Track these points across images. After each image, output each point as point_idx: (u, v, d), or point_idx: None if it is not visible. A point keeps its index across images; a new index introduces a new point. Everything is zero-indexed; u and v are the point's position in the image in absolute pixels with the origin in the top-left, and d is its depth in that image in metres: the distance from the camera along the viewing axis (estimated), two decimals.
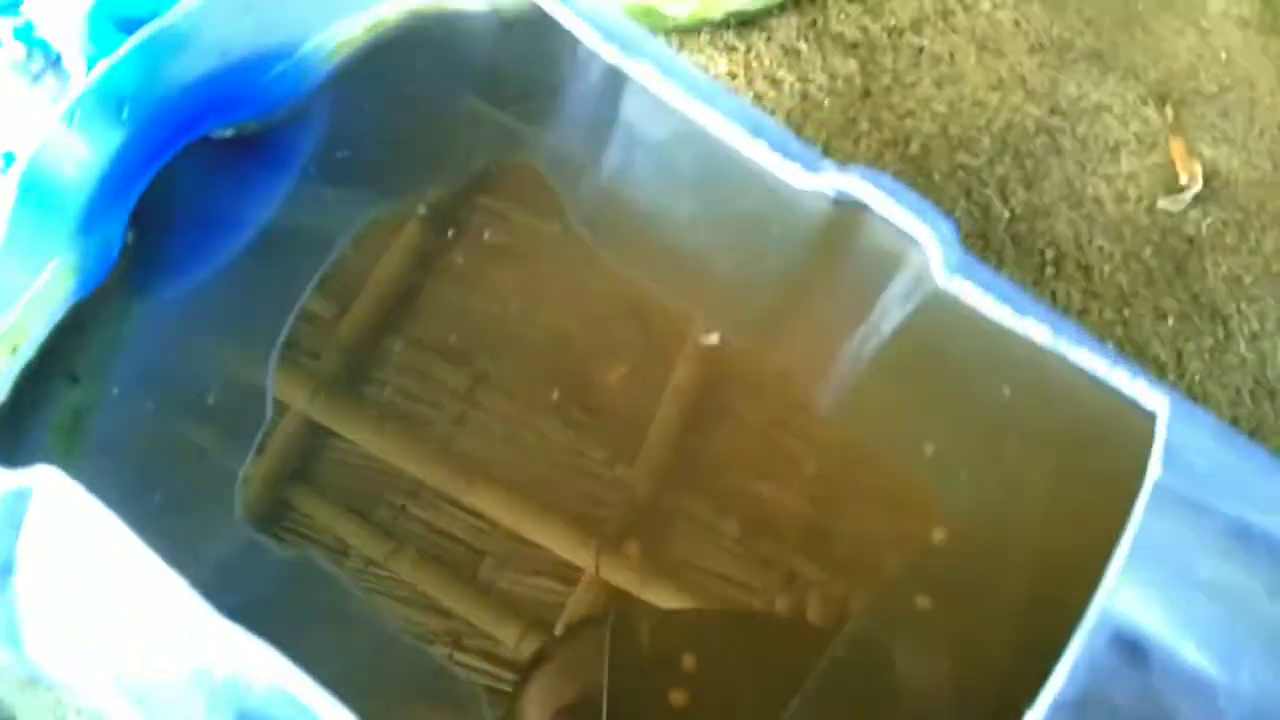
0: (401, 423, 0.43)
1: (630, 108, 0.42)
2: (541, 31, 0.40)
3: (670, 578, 0.40)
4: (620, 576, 0.40)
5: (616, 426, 0.42)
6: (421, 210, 0.45)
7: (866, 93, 0.55)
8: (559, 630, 0.39)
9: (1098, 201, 0.53)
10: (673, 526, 0.41)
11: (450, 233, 0.45)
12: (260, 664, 0.28)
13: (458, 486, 0.41)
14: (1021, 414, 0.34)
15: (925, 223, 0.27)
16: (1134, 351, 0.50)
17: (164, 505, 0.38)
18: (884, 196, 0.28)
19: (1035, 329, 0.27)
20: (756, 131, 0.30)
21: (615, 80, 0.40)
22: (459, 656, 0.39)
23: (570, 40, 0.39)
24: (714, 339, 0.41)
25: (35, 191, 0.33)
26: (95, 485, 0.31)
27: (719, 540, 0.41)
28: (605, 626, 0.38)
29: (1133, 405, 0.29)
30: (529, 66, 0.43)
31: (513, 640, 0.40)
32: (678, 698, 0.38)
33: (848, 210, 0.34)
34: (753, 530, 0.41)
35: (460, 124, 0.44)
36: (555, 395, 0.42)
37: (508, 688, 0.39)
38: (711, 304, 0.43)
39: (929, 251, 0.28)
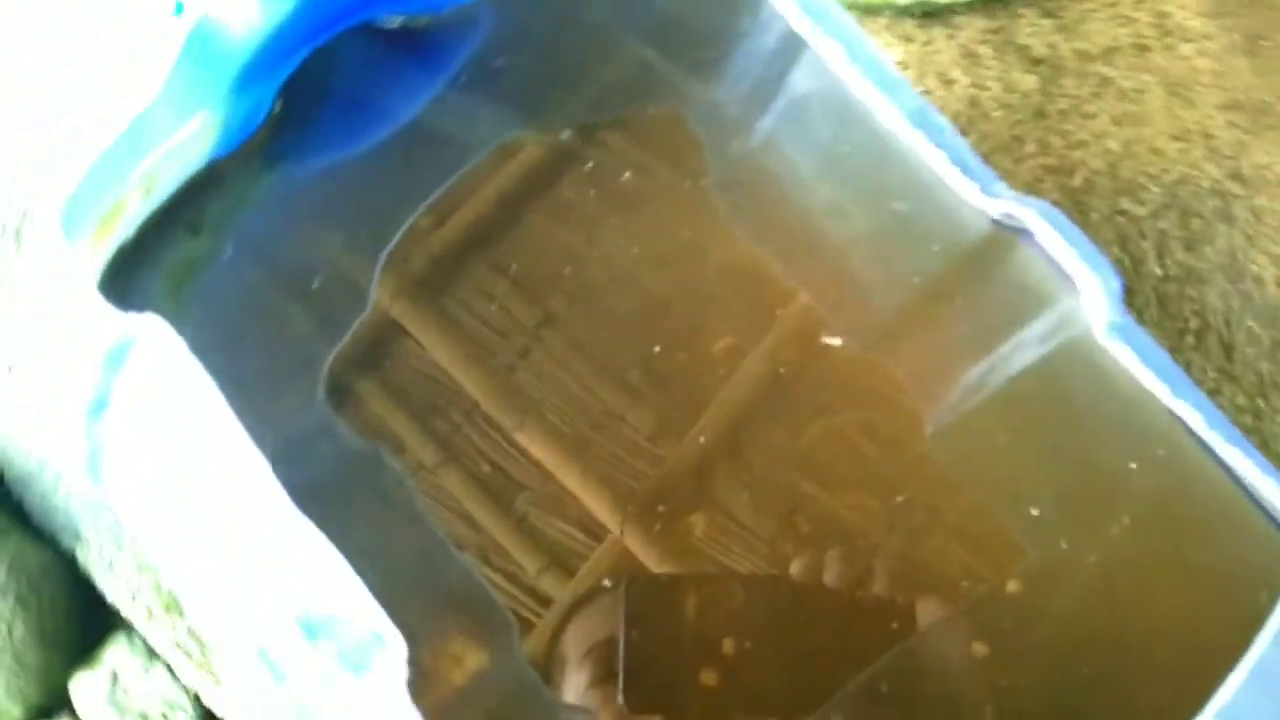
0: (474, 345, 0.42)
1: (799, 78, 0.40)
2: None
3: (703, 559, 0.39)
4: (645, 546, 0.40)
5: (698, 398, 0.41)
6: (565, 136, 0.44)
7: (1040, 113, 0.53)
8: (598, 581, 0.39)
9: (1258, 281, 0.50)
10: (729, 512, 0.40)
11: (589, 165, 0.44)
12: (319, 557, 0.28)
13: (511, 420, 0.41)
14: (1141, 493, 0.32)
15: (1098, 275, 0.26)
16: (1258, 444, 0.47)
17: (253, 374, 0.39)
18: (1061, 239, 0.26)
19: (1189, 413, 0.25)
20: (937, 139, 0.28)
21: (791, 46, 0.39)
22: (485, 570, 0.40)
23: None
24: (836, 341, 0.39)
25: (202, 43, 0.33)
26: (191, 338, 0.32)
27: (777, 534, 0.40)
28: (621, 588, 0.38)
29: (1265, 510, 0.27)
30: (705, 17, 0.41)
31: (534, 571, 0.40)
32: (709, 677, 0.37)
33: (1006, 233, 0.33)
34: (822, 535, 0.40)
35: (623, 61, 0.42)
36: (657, 349, 0.42)
37: (531, 615, 0.39)
38: (835, 297, 0.41)
39: (1095, 307, 0.26)
